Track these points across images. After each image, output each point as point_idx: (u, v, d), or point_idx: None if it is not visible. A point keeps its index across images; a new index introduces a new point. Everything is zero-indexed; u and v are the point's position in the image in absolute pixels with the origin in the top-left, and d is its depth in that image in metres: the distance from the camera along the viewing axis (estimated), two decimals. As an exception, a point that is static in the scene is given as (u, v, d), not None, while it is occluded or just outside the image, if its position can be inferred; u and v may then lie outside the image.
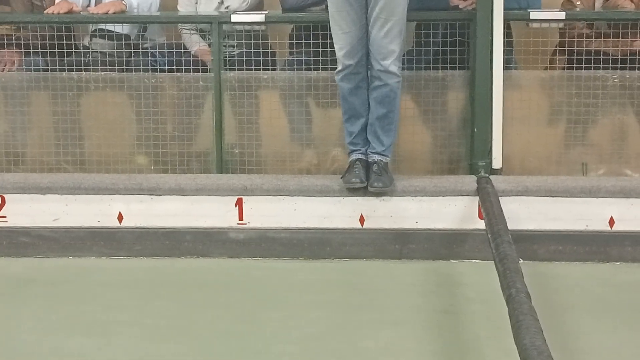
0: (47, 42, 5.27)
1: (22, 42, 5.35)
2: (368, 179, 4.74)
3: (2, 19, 5.48)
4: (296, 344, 3.72)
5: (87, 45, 5.43)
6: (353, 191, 4.80)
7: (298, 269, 4.74)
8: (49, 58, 5.30)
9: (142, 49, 5.40)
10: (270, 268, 4.75)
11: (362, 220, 4.84)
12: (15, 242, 4.95)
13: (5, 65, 5.40)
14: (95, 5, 5.49)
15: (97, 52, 5.34)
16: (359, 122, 4.82)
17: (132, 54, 5.36)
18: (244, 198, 4.88)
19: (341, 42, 4.69)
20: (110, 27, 5.36)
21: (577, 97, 5.08)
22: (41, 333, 3.87)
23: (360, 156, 4.82)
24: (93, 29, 5.42)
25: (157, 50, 5.39)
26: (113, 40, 5.32)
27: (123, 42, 5.32)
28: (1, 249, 4.95)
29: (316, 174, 5.18)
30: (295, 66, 5.25)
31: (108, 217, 4.93)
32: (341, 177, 4.83)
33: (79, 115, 5.35)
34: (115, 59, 5.28)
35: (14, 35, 5.41)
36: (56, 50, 5.26)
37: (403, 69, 4.76)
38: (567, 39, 5.18)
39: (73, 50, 5.37)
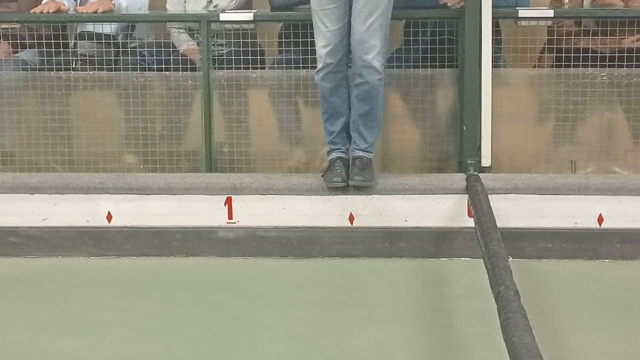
0: (36, 41, 5.25)
1: (10, 40, 5.34)
2: (349, 176, 4.74)
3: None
4: (285, 343, 3.72)
5: (73, 46, 5.40)
6: (342, 190, 4.79)
7: (287, 267, 4.74)
8: (37, 58, 5.27)
9: (130, 48, 5.38)
10: (260, 267, 4.75)
11: (351, 218, 4.84)
12: (3, 242, 4.93)
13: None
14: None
15: (84, 54, 5.32)
16: (339, 122, 4.81)
17: (121, 53, 5.35)
18: (234, 197, 4.88)
19: (324, 41, 4.66)
20: (95, 27, 5.33)
21: (565, 94, 5.09)
22: (29, 333, 3.85)
23: (340, 154, 4.82)
24: (80, 31, 5.40)
25: (146, 49, 5.37)
26: (100, 41, 5.30)
27: (111, 41, 5.30)
28: (-10, 248, 4.94)
29: (305, 172, 5.18)
30: (284, 65, 5.24)
31: (97, 216, 4.92)
32: (322, 176, 4.82)
33: (67, 114, 5.32)
34: (104, 58, 5.27)
35: (18, 31, 5.39)
36: (44, 49, 5.24)
37: (392, 67, 4.75)
38: (555, 37, 5.18)
39: (61, 49, 5.35)
